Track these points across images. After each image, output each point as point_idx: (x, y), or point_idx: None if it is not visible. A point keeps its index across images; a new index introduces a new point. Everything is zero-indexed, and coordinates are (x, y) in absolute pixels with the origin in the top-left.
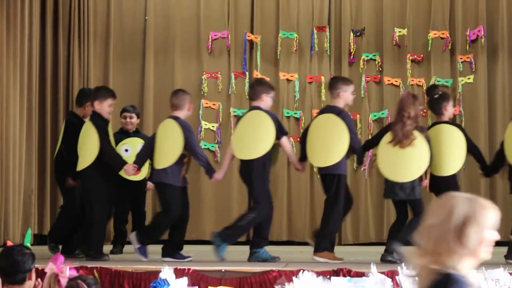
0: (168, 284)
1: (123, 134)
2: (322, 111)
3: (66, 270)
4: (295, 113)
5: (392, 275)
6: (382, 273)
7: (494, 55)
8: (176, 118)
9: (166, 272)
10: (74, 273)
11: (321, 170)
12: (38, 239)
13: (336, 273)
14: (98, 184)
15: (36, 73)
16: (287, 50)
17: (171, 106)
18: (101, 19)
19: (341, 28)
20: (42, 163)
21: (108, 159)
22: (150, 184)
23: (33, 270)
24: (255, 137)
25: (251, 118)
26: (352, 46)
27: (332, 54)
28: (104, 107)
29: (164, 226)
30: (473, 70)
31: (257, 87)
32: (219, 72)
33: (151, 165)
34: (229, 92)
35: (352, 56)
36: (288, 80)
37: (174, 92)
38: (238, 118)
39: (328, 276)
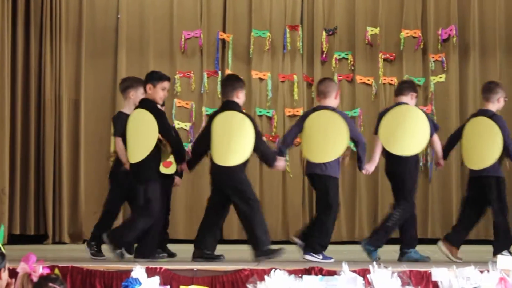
0: (140, 283)
1: None
2: (474, 115)
3: (39, 269)
4: (267, 112)
5: (363, 273)
6: (353, 271)
7: (465, 54)
8: (327, 107)
9: (138, 271)
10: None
11: (473, 172)
12: (10, 239)
13: (308, 271)
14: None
15: (7, 70)
16: (259, 49)
17: (318, 94)
18: (73, 16)
19: (314, 27)
20: (13, 161)
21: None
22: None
23: (4, 269)
24: (412, 133)
25: (401, 113)
26: (324, 45)
27: (305, 53)
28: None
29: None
30: (445, 69)
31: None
32: (191, 72)
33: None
34: (202, 91)
35: (324, 55)
36: (260, 79)
37: (321, 80)
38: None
39: (300, 275)
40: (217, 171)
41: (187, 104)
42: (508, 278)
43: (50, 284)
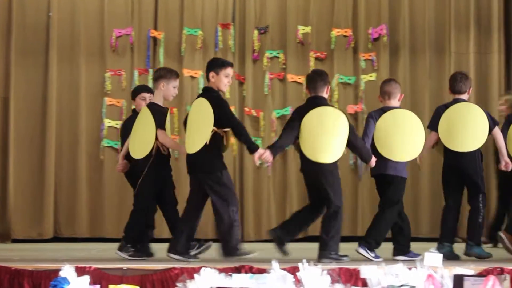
0: (68, 283)
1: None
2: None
3: None
4: None
5: (293, 271)
6: (283, 269)
7: (396, 53)
8: (396, 108)
9: (67, 271)
10: None
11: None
12: None
13: (238, 269)
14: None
15: None
16: (191, 47)
17: (382, 95)
18: (2, 13)
19: (245, 26)
20: None
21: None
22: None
23: None
24: (473, 128)
25: (460, 110)
26: (256, 44)
27: (237, 51)
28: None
29: None
30: (375, 68)
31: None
32: (122, 70)
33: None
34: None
35: (256, 54)
36: (192, 77)
37: (387, 81)
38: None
39: (229, 273)
40: (311, 167)
41: (118, 102)
42: (436, 275)
43: None
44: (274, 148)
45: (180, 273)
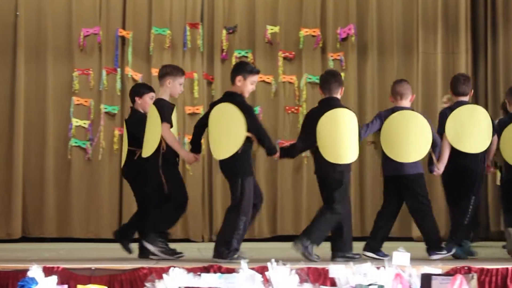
0: (36, 283)
1: None
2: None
3: None
4: None
5: (262, 271)
6: (252, 269)
7: (364, 53)
8: (407, 108)
9: (35, 271)
10: None
11: None
12: None
13: (207, 269)
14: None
15: None
16: (159, 46)
17: (394, 95)
18: None
19: (214, 25)
20: None
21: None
22: None
23: None
24: (480, 130)
25: (468, 112)
26: (224, 43)
27: (205, 51)
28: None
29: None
30: (344, 68)
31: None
32: (90, 69)
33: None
34: (100, 89)
35: (224, 53)
36: None
37: (399, 82)
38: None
39: (198, 273)
40: (327, 169)
41: (86, 101)
42: (404, 274)
43: None
44: (292, 152)
45: (148, 273)
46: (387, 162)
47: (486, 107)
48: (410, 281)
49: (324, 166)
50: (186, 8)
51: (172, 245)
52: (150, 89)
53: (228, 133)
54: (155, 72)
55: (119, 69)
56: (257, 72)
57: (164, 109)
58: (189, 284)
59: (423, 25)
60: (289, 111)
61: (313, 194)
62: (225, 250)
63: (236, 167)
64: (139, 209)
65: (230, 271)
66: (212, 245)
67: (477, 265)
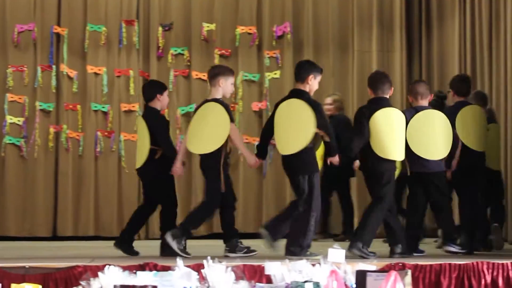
0: None
1: None
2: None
3: None
4: (103, 107)
5: (198, 268)
6: (188, 266)
7: (300, 51)
8: (427, 107)
9: None
10: None
11: None
12: None
13: (142, 267)
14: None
15: None
16: (95, 43)
17: (414, 95)
18: None
19: (150, 22)
20: None
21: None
22: None
23: None
24: (483, 129)
25: (474, 112)
26: (160, 40)
27: (141, 48)
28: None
29: None
30: (280, 65)
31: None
32: (25, 66)
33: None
34: (35, 86)
35: (160, 50)
36: (96, 73)
37: (419, 82)
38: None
39: (134, 271)
40: (378, 165)
41: (20, 98)
42: (339, 270)
43: None
44: (350, 152)
45: (83, 271)
46: (414, 160)
47: None
48: (345, 277)
49: (375, 163)
50: (121, 5)
51: (107, 243)
52: (166, 86)
53: (297, 128)
54: (90, 69)
55: (54, 66)
56: (322, 71)
57: (229, 109)
58: (125, 282)
59: (358, 23)
60: None
61: (249, 191)
62: (297, 248)
63: (304, 163)
64: (163, 208)
65: (166, 268)
66: (148, 242)
67: (411, 262)
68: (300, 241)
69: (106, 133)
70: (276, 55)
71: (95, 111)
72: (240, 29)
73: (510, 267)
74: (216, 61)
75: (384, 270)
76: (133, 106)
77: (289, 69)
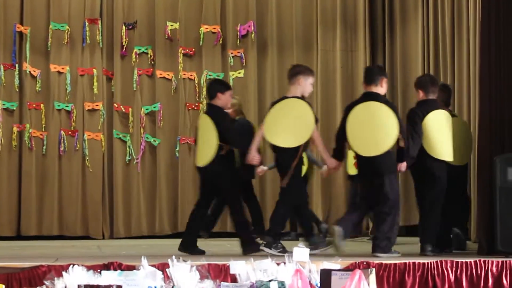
0: None
1: None
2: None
3: None
4: (66, 106)
5: (163, 267)
6: (153, 265)
7: (264, 50)
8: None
9: None
10: None
11: None
12: None
13: (107, 267)
14: None
15: None
16: (58, 42)
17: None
18: None
19: (114, 21)
20: None
21: None
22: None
23: None
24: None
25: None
26: (124, 39)
27: (104, 46)
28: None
29: None
30: (244, 64)
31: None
32: None
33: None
34: None
35: (124, 49)
36: (59, 72)
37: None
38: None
39: (98, 270)
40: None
41: None
42: (304, 269)
43: None
44: (409, 159)
45: (47, 271)
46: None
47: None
48: (310, 276)
49: (428, 163)
50: (85, 4)
51: (71, 243)
52: (230, 86)
53: (380, 131)
54: (53, 68)
55: (17, 65)
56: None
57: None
58: (89, 281)
59: (322, 23)
60: (190, 108)
61: None
62: (388, 244)
63: (387, 164)
64: (228, 204)
65: (131, 268)
66: (113, 242)
67: (376, 260)
68: (390, 238)
69: (70, 132)
70: (240, 54)
71: (59, 110)
72: (204, 28)
73: (473, 266)
74: (180, 60)
75: (348, 268)
76: (97, 105)
77: (253, 68)
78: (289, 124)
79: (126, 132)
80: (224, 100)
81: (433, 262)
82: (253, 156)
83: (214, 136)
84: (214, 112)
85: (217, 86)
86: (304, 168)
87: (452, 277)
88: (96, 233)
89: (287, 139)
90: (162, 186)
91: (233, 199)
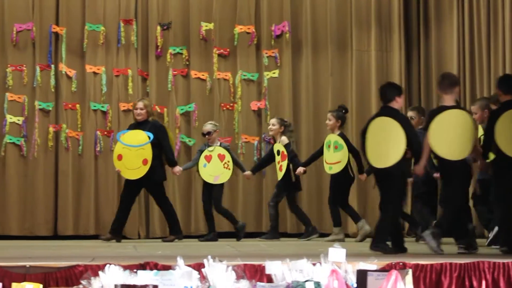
0: None
1: None
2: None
3: None
4: (102, 107)
5: (198, 267)
6: (188, 265)
7: (298, 50)
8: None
9: None
10: None
11: None
12: None
13: (143, 266)
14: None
15: None
16: (93, 43)
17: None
18: None
19: (148, 22)
20: None
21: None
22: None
23: None
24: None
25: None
26: (159, 40)
27: (139, 47)
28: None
29: None
30: (278, 64)
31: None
32: (24, 65)
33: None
34: (34, 85)
35: (159, 50)
36: (95, 73)
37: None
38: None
39: (134, 270)
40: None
41: (19, 98)
42: (340, 270)
43: None
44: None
45: (84, 271)
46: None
47: (419, 103)
48: (346, 277)
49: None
50: (120, 5)
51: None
52: (402, 90)
53: (461, 137)
54: (89, 68)
55: (53, 66)
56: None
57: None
58: (125, 281)
59: (356, 23)
60: (224, 108)
61: (249, 192)
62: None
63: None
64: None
65: (167, 268)
66: (148, 242)
67: (412, 261)
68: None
69: (105, 133)
70: (274, 54)
71: (94, 110)
72: (238, 28)
73: (511, 267)
74: (215, 60)
75: (384, 269)
76: (132, 106)
77: (288, 68)
78: (456, 136)
79: None
80: (400, 103)
81: (470, 263)
82: (421, 167)
83: (401, 139)
84: (400, 117)
85: (394, 90)
86: None
87: (489, 278)
88: (132, 233)
89: (463, 152)
90: (197, 186)
91: (399, 202)
